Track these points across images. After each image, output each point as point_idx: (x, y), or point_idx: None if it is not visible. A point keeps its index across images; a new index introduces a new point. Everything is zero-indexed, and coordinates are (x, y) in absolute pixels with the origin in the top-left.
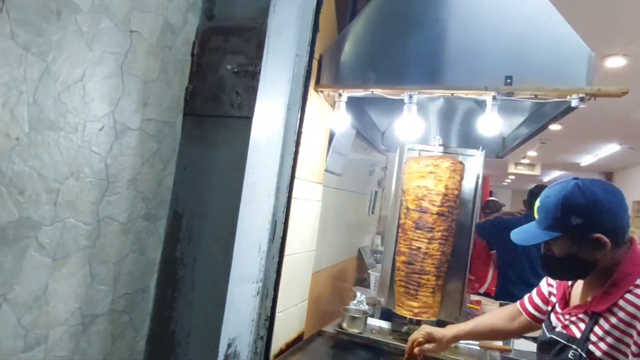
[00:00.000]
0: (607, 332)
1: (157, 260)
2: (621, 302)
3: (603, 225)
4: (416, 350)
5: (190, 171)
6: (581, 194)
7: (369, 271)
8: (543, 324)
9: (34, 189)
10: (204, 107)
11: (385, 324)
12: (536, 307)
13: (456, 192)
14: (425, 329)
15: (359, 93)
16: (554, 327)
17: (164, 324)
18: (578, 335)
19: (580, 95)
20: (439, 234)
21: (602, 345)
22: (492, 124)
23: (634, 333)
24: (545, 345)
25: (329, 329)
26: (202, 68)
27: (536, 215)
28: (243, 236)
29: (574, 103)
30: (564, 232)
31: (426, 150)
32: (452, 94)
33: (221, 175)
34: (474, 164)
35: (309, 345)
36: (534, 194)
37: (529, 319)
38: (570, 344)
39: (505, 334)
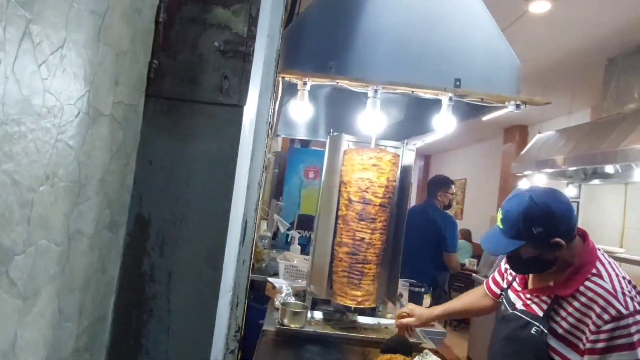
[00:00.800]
0: (569, 314)
1: (115, 279)
2: (582, 289)
3: (559, 230)
4: (397, 322)
5: (157, 167)
6: (537, 207)
7: (279, 260)
8: (503, 300)
9: (7, 202)
10: (177, 89)
11: (317, 314)
12: (498, 286)
13: (394, 183)
14: (408, 306)
15: (323, 82)
16: (515, 304)
17: (128, 355)
18: (540, 314)
19: (517, 102)
20: (380, 224)
21: (563, 324)
22: (447, 122)
23: (593, 315)
24: (507, 320)
25: (269, 327)
26: (171, 41)
27: (501, 226)
28: (229, 243)
29: (509, 109)
30: (527, 240)
31: (359, 142)
32: (413, 92)
33: (204, 174)
34: (407, 156)
35: (258, 347)
36: (433, 182)
37: (494, 298)
38: (533, 321)
39: (478, 311)
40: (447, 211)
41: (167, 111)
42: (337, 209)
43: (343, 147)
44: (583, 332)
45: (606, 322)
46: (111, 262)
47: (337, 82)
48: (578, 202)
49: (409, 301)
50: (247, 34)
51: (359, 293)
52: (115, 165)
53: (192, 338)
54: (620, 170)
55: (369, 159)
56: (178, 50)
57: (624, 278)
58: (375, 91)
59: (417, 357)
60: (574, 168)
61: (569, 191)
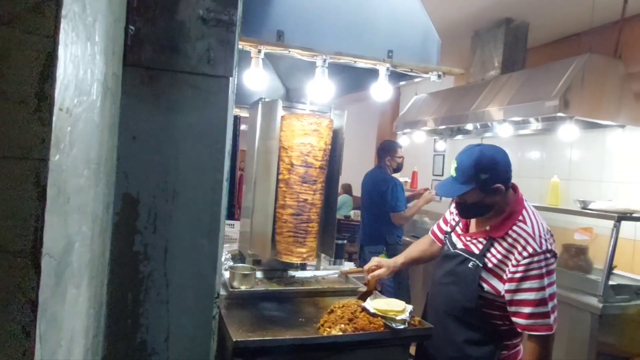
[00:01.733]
0: (498, 251)
1: (107, 261)
2: (510, 232)
3: (500, 178)
4: (369, 276)
5: (142, 142)
6: (485, 157)
7: None
8: (446, 242)
9: (65, 189)
10: (157, 58)
11: (258, 274)
12: (442, 232)
13: (330, 146)
14: (374, 259)
15: (276, 50)
16: (456, 245)
17: (127, 336)
18: (477, 252)
19: (439, 73)
20: (320, 185)
21: (493, 259)
22: (384, 90)
23: (515, 252)
24: (449, 258)
25: (220, 291)
26: (148, 6)
27: (454, 174)
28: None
29: (432, 78)
30: (475, 184)
31: (291, 108)
32: (355, 61)
33: (194, 147)
34: (338, 120)
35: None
36: (381, 148)
37: (439, 244)
38: (471, 258)
39: (430, 257)
40: (399, 174)
41: (148, 81)
42: (278, 174)
43: (279, 113)
44: (507, 265)
45: (524, 258)
46: (106, 245)
47: (290, 51)
48: (444, 155)
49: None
50: (229, 1)
51: (304, 250)
52: (111, 143)
53: (193, 310)
54: (478, 127)
55: (310, 124)
56: (156, 17)
57: (542, 224)
58: (324, 60)
59: (368, 298)
60: (443, 127)
61: (439, 145)
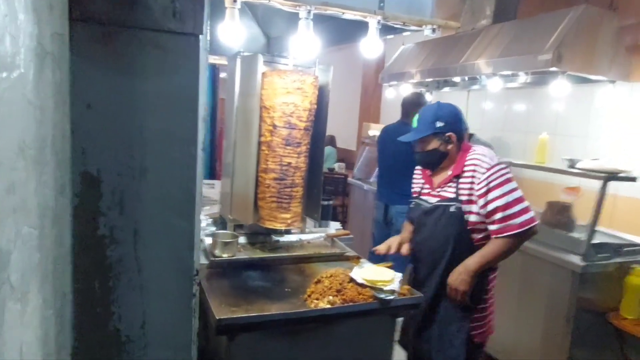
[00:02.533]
0: (465, 183)
1: (69, 249)
2: (467, 163)
3: (453, 127)
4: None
5: (100, 111)
6: (441, 108)
7: None
8: (420, 202)
9: None
10: (112, 11)
11: (241, 239)
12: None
13: (315, 106)
14: (396, 239)
15: (255, 0)
16: (428, 201)
17: (98, 325)
18: (452, 196)
19: (434, 27)
20: (305, 147)
21: (464, 192)
22: (374, 46)
23: (476, 175)
24: (429, 213)
25: (201, 260)
26: None
27: (415, 125)
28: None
29: (426, 32)
30: (432, 131)
31: (273, 63)
32: (343, 13)
33: (161, 117)
34: (323, 76)
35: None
36: (406, 102)
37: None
38: (450, 203)
39: None
40: None
41: (103, 40)
42: (259, 135)
43: (260, 69)
44: (474, 189)
45: (483, 174)
46: (65, 232)
47: (270, 1)
48: None
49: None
50: None
51: (288, 215)
52: (59, 115)
53: (170, 295)
54: (466, 79)
55: (293, 82)
56: None
57: (489, 151)
58: (309, 12)
59: (355, 267)
60: (430, 79)
61: (426, 98)
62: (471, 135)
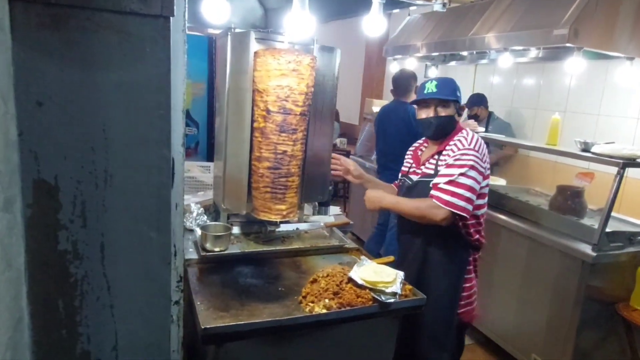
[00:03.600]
0: (444, 160)
1: (22, 268)
2: (451, 142)
3: (461, 100)
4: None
5: (53, 109)
6: (455, 82)
7: None
8: (405, 181)
9: None
10: None
11: (235, 229)
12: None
13: (312, 89)
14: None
15: None
16: (413, 179)
17: (63, 348)
18: (432, 172)
19: (444, 1)
20: (301, 134)
21: (441, 169)
22: (377, 24)
23: (452, 151)
24: (411, 189)
25: (191, 255)
26: None
27: (434, 90)
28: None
29: (436, 7)
30: (454, 98)
31: (267, 40)
32: None
33: (126, 115)
34: (328, 59)
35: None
36: (402, 79)
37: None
38: (429, 179)
39: None
40: None
41: (52, 24)
42: (252, 121)
43: (252, 48)
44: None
45: (455, 152)
46: (14, 251)
47: None
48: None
49: None
50: None
51: (283, 207)
52: (2, 117)
53: (145, 313)
54: (474, 53)
55: (288, 63)
56: None
57: (480, 141)
58: None
59: (355, 265)
60: (436, 54)
61: (431, 72)
62: (490, 114)
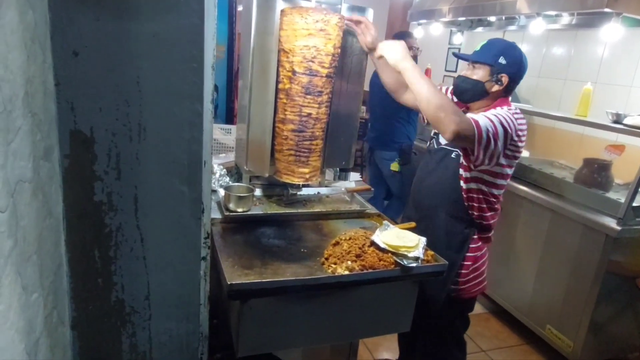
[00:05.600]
0: None
1: (60, 217)
2: (483, 113)
3: (511, 72)
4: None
5: (88, 59)
6: (513, 49)
7: None
8: (434, 140)
9: None
10: None
11: (258, 191)
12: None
13: (339, 50)
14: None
15: None
16: (441, 142)
17: (99, 296)
18: None
19: None
20: (327, 97)
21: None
22: None
23: None
24: (432, 154)
25: (215, 214)
26: None
27: (477, 49)
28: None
29: None
30: (490, 62)
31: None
32: None
33: (159, 67)
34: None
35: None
36: (393, 36)
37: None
38: (452, 149)
39: (397, 91)
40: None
41: None
42: (277, 82)
43: (279, 6)
44: None
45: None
46: (54, 200)
47: None
48: (459, 49)
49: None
50: None
51: (306, 170)
52: (35, 67)
53: (175, 266)
54: (503, 19)
55: (315, 22)
56: None
57: (521, 117)
58: None
59: (377, 229)
60: (463, 18)
61: (456, 38)
62: None
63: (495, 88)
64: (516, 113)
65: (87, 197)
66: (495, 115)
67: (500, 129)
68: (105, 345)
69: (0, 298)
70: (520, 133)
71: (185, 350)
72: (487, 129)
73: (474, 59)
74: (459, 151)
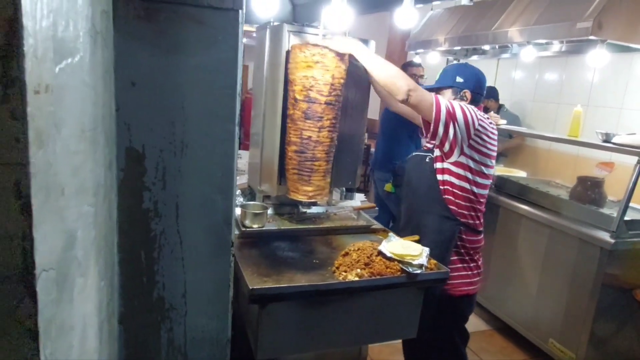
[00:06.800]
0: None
1: (114, 221)
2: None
3: (471, 86)
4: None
5: (143, 88)
6: (466, 67)
7: None
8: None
9: (61, 172)
10: None
11: (270, 210)
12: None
13: (342, 80)
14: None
15: None
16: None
17: (143, 293)
18: (430, 147)
19: None
20: (328, 122)
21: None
22: (410, 15)
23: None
24: (411, 160)
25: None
26: None
27: (438, 78)
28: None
29: (464, 1)
30: (450, 84)
31: (301, 33)
32: None
33: (201, 93)
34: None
35: None
36: (403, 67)
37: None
38: (427, 153)
39: (389, 100)
40: None
41: (146, 17)
42: (285, 109)
43: (285, 39)
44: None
45: None
46: (113, 206)
47: None
48: None
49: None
50: None
51: (309, 188)
52: (107, 94)
53: (209, 266)
54: (496, 47)
55: (312, 55)
56: None
57: (480, 114)
58: None
59: (383, 241)
60: (459, 48)
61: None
62: (500, 107)
63: (463, 104)
64: (483, 115)
65: (137, 205)
66: (458, 104)
67: (459, 112)
68: (146, 339)
69: (87, 271)
70: (484, 127)
71: (215, 345)
72: (447, 107)
73: (437, 87)
74: (430, 154)
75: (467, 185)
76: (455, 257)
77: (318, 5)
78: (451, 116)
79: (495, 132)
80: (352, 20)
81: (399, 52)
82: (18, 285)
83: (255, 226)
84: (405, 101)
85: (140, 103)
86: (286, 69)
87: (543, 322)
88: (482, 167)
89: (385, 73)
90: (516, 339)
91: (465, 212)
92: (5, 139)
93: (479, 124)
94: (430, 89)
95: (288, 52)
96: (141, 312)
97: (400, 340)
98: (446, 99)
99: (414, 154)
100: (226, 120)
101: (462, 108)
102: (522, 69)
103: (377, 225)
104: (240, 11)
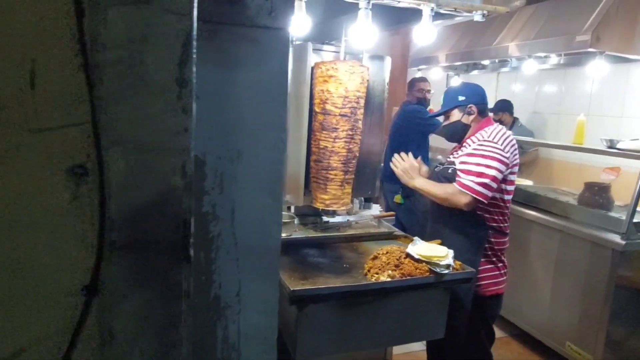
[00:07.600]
0: (464, 151)
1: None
2: (473, 136)
3: (474, 100)
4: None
5: (206, 102)
6: (465, 85)
7: None
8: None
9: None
10: (216, 10)
11: (295, 220)
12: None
13: (358, 93)
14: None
15: None
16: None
17: (202, 291)
18: (453, 160)
19: (483, 12)
20: (344, 133)
21: (462, 158)
22: (427, 33)
23: (472, 143)
24: (436, 174)
25: None
26: None
27: (442, 102)
28: None
29: (476, 18)
30: (455, 105)
31: (323, 50)
32: (399, 1)
33: (256, 105)
34: (382, 67)
35: None
36: (408, 84)
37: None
38: (450, 166)
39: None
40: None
41: (208, 37)
42: (310, 122)
43: (309, 57)
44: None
45: (474, 143)
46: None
47: None
48: None
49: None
50: None
51: (326, 197)
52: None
53: (260, 267)
54: (496, 62)
55: (327, 70)
56: None
57: (502, 134)
58: (368, 2)
59: (409, 244)
60: (459, 63)
61: (454, 82)
62: (515, 120)
63: (471, 118)
64: (495, 132)
65: (198, 208)
66: (486, 156)
67: (493, 165)
68: (204, 337)
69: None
70: (508, 148)
71: (266, 342)
72: (489, 184)
73: (444, 111)
74: (453, 167)
75: (497, 195)
76: (484, 259)
77: (335, 22)
78: (497, 182)
79: (516, 144)
80: (376, 38)
81: (400, 68)
82: (177, 254)
83: (283, 235)
84: (467, 205)
85: (201, 115)
86: (311, 85)
87: (559, 326)
88: (510, 176)
89: (441, 195)
90: (533, 344)
91: (495, 217)
92: (176, 127)
93: (510, 158)
94: (438, 115)
95: (312, 69)
96: (200, 310)
97: (422, 349)
98: (476, 158)
99: (440, 167)
100: (278, 130)
101: (493, 166)
102: (522, 82)
103: (398, 231)
104: (288, 30)
